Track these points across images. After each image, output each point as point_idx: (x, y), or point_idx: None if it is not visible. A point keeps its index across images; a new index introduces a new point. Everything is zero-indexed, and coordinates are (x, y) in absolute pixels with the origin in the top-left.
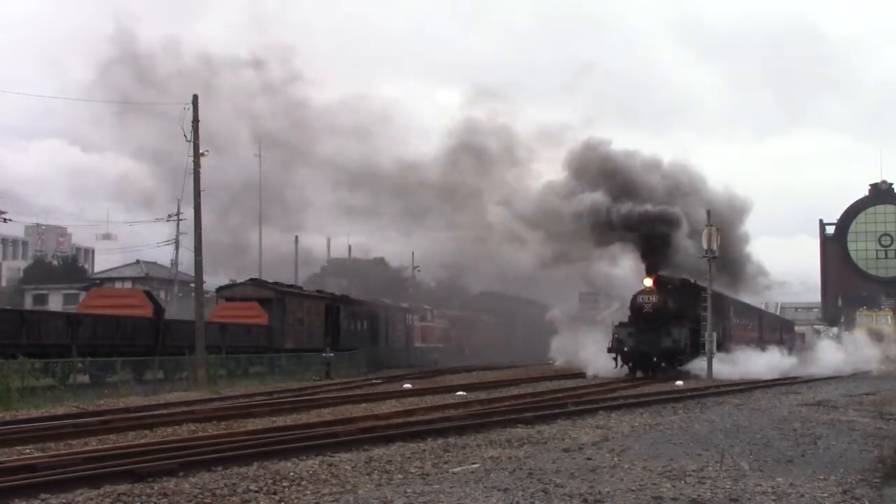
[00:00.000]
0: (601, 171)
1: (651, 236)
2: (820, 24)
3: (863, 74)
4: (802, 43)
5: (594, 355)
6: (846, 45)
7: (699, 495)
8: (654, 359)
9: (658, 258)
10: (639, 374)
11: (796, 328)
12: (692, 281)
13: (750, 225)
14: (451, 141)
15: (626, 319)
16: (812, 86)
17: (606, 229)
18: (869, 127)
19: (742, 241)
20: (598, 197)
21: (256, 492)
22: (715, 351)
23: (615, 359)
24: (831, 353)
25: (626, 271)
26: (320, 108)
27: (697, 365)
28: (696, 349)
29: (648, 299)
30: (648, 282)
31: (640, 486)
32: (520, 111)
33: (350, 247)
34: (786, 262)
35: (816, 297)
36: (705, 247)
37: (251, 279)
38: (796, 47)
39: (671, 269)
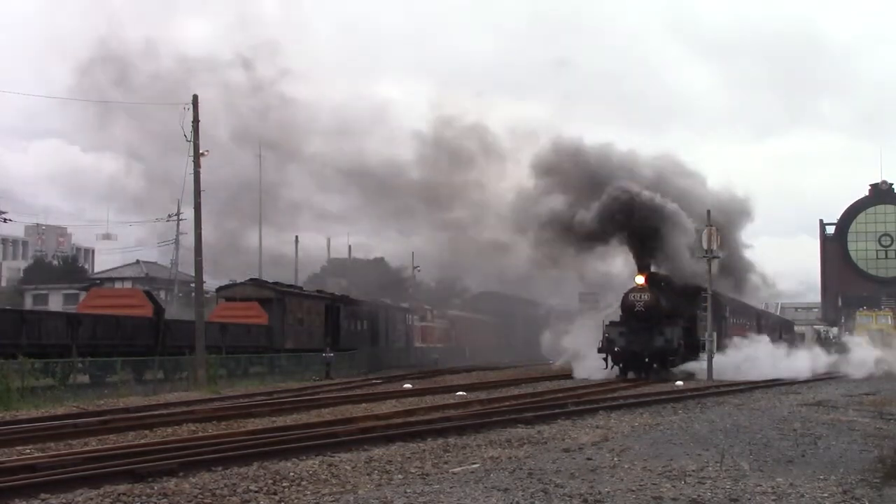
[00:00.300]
0: (572, 170)
1: (641, 230)
2: (818, 25)
3: (862, 75)
4: (801, 44)
5: (584, 354)
6: (845, 46)
7: (699, 495)
8: (646, 359)
9: (650, 254)
10: (630, 375)
11: (795, 328)
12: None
13: (750, 226)
14: (432, 141)
15: (618, 318)
16: (812, 86)
17: (571, 236)
18: (869, 127)
19: (742, 245)
20: (557, 204)
21: (256, 492)
22: (715, 351)
23: (605, 359)
24: (867, 351)
25: (620, 268)
26: (313, 109)
27: (698, 366)
28: (693, 349)
29: (640, 297)
30: (640, 279)
31: (640, 486)
32: (515, 112)
33: (350, 247)
34: (786, 262)
35: (816, 297)
36: (705, 247)
37: (251, 279)
38: (795, 48)
39: (671, 269)
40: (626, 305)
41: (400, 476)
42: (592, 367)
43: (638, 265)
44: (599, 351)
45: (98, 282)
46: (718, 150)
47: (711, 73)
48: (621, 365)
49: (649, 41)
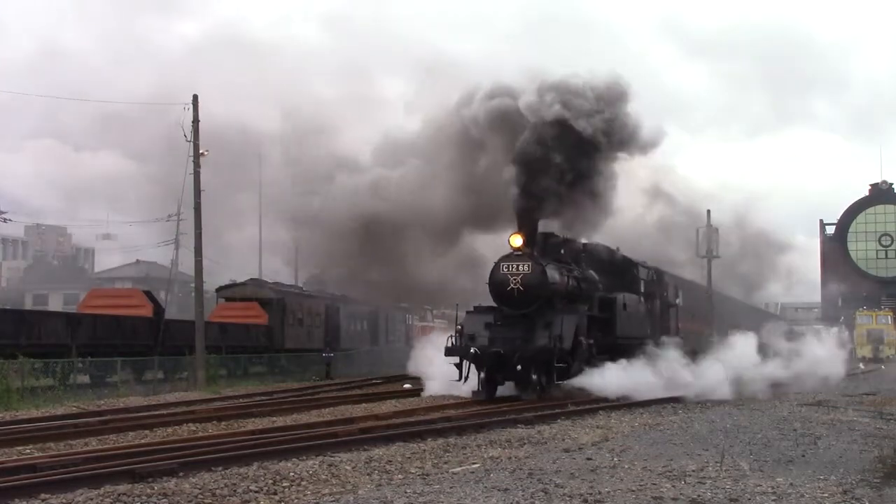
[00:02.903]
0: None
1: (522, 154)
2: (811, 24)
3: (857, 74)
4: (794, 43)
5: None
6: (838, 46)
7: (699, 495)
8: (518, 367)
9: (540, 199)
10: (510, 390)
11: (795, 328)
12: (616, 248)
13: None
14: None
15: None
16: (811, 86)
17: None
18: (869, 127)
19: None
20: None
21: (256, 492)
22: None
23: (458, 365)
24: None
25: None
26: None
27: (682, 375)
28: (613, 352)
29: (516, 269)
30: (517, 240)
31: (640, 486)
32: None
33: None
34: (785, 262)
35: (816, 297)
36: (705, 246)
37: (251, 279)
38: (788, 47)
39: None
40: (496, 282)
41: (400, 476)
42: (449, 377)
43: (518, 217)
44: (449, 353)
45: (98, 282)
46: (717, 150)
47: (704, 72)
48: (482, 374)
49: (641, 41)
